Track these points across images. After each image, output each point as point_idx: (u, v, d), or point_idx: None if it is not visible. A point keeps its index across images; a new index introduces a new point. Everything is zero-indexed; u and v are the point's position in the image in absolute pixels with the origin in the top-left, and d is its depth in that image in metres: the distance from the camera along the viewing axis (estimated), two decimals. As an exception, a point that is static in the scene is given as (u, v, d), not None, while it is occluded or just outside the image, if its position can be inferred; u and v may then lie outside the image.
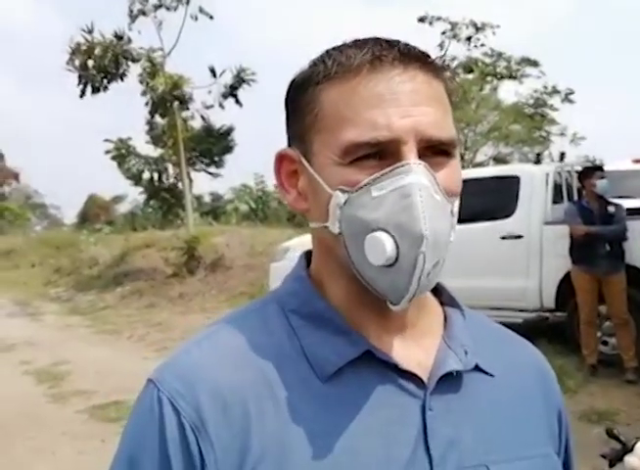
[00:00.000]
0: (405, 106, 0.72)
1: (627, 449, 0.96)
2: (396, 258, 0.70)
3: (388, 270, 0.71)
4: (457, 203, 0.77)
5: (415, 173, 0.70)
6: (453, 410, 0.78)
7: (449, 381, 0.79)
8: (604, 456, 1.01)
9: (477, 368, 0.82)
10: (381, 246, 0.70)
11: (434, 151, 0.74)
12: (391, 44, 0.75)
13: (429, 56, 0.76)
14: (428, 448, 0.75)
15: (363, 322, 0.79)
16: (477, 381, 0.82)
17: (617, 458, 0.99)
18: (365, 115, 0.72)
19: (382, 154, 0.72)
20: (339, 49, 0.77)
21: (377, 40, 0.76)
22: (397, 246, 0.69)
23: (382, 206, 0.71)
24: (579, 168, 7.43)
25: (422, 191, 0.69)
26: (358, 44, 0.76)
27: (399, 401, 0.76)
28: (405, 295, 0.71)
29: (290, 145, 0.83)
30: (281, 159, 0.82)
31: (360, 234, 0.72)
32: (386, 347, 0.79)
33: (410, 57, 0.74)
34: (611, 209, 6.09)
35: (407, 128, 0.71)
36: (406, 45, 0.76)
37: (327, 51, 0.78)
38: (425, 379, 0.78)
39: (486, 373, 0.83)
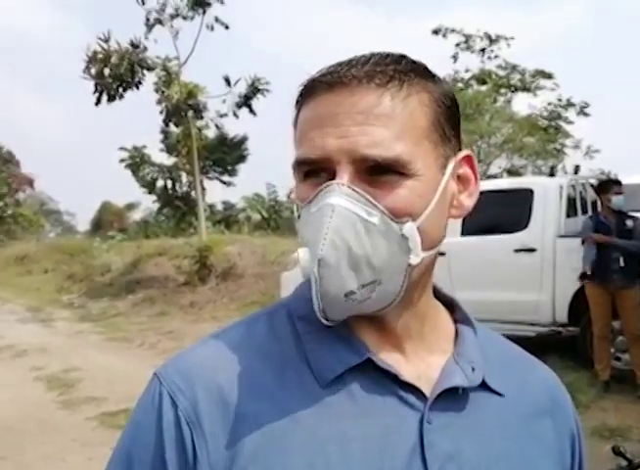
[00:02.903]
0: (344, 126, 0.73)
1: (633, 467, 0.95)
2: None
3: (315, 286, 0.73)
4: (411, 224, 0.74)
5: (335, 195, 0.72)
6: (454, 425, 0.78)
7: (454, 397, 0.79)
8: None
9: (485, 386, 0.82)
10: (298, 261, 0.74)
11: (383, 170, 0.73)
12: (354, 64, 0.76)
13: (401, 72, 0.76)
14: (424, 461, 0.74)
15: (365, 332, 0.80)
16: (484, 399, 0.82)
17: None
18: (308, 135, 0.76)
19: (326, 172, 0.75)
20: (328, 66, 0.79)
21: (350, 60, 0.77)
22: (312, 263, 0.72)
23: (311, 223, 0.74)
24: (593, 182, 7.40)
25: (335, 212, 0.71)
26: (336, 64, 0.78)
27: (397, 412, 0.77)
28: (318, 312, 0.74)
29: None
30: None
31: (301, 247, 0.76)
32: (387, 357, 0.79)
33: (369, 75, 0.74)
34: (629, 223, 6.02)
35: (339, 148, 0.73)
36: (375, 63, 0.75)
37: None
38: (427, 392, 0.78)
39: (495, 392, 0.83)
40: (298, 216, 0.78)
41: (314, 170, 0.76)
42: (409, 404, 0.77)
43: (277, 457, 0.72)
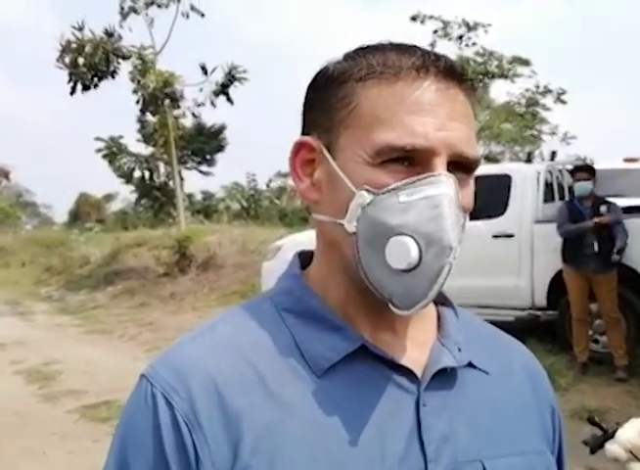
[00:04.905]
0: (442, 119, 0.73)
1: (608, 436, 0.95)
2: (417, 265, 0.70)
3: (404, 275, 0.71)
4: (467, 220, 0.78)
5: (446, 185, 0.71)
6: (447, 406, 0.79)
7: (443, 378, 0.80)
8: (585, 443, 1.00)
9: (470, 365, 0.83)
10: (406, 250, 0.70)
11: (458, 167, 0.75)
12: (437, 56, 0.76)
13: (466, 75, 0.78)
14: (422, 443, 0.75)
15: (357, 320, 0.80)
16: (470, 378, 0.83)
17: (597, 445, 0.98)
18: (404, 120, 0.72)
19: (412, 161, 0.73)
20: (380, 49, 0.77)
21: (422, 49, 0.77)
22: (421, 253, 0.70)
23: (408, 212, 0.71)
24: (570, 167, 7.45)
25: (450, 203, 0.71)
26: (402, 49, 0.76)
27: (394, 397, 0.77)
28: (421, 301, 0.71)
29: (306, 133, 0.82)
30: (300, 146, 0.81)
31: (381, 236, 0.72)
32: (380, 343, 0.79)
33: (453, 74, 0.76)
34: (603, 208, 6.07)
35: (442, 141, 0.72)
36: (450, 60, 0.77)
37: (365, 49, 0.78)
38: (419, 375, 0.78)
39: (480, 370, 0.84)
40: (369, 203, 0.73)
41: (397, 158, 0.73)
42: (404, 388, 0.77)
43: (278, 449, 0.71)
